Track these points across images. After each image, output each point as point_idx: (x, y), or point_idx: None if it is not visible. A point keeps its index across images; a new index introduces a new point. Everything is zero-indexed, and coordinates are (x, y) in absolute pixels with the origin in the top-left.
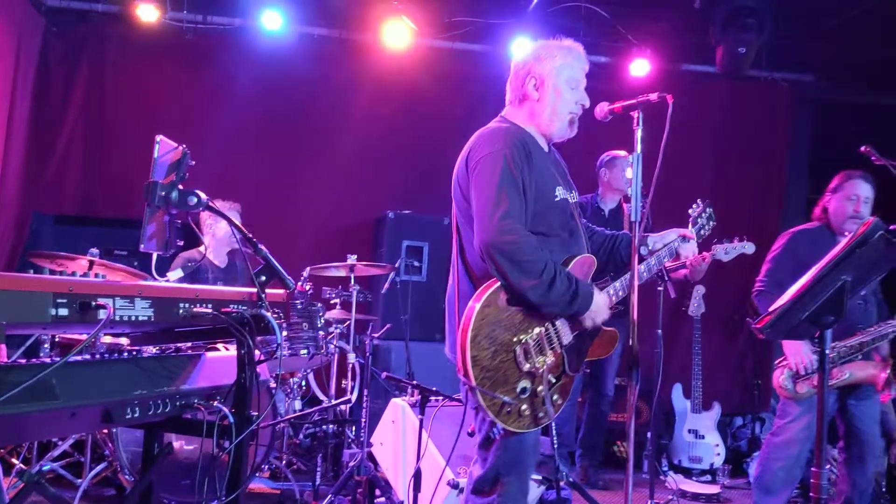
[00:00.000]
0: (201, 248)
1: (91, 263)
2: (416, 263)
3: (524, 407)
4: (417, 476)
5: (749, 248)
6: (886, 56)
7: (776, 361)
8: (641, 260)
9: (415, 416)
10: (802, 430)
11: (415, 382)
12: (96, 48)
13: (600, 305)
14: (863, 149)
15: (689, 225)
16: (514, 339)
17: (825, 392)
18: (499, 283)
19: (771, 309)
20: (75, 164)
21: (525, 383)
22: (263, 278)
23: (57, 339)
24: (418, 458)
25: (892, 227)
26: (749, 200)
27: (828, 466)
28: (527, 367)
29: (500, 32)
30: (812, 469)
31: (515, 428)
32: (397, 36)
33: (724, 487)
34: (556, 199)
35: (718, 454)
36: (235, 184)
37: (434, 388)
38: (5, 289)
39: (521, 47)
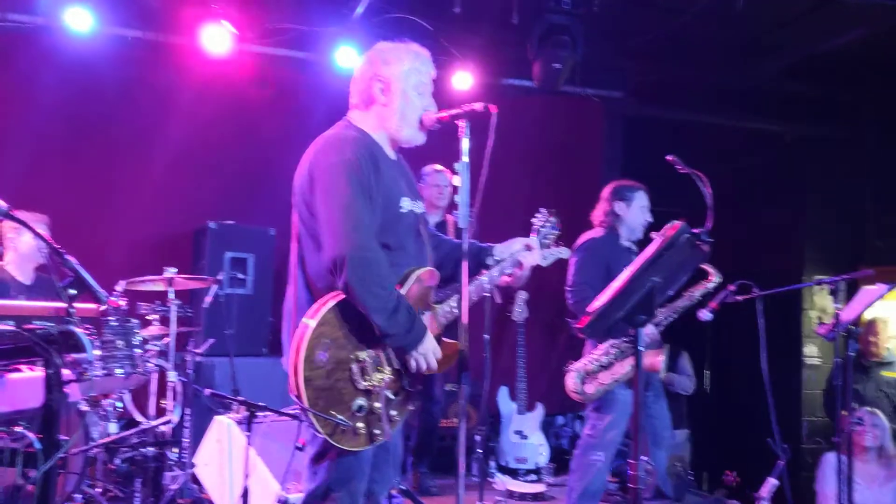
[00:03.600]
0: (2, 263)
1: None
2: (241, 276)
3: (360, 425)
4: (246, 495)
5: (565, 252)
6: (685, 76)
7: (565, 367)
8: (485, 268)
9: (241, 433)
10: (610, 427)
11: (241, 398)
12: None
13: (429, 348)
14: (669, 158)
15: (533, 234)
16: (351, 357)
17: (641, 386)
18: (335, 301)
19: (589, 310)
20: None
21: (361, 401)
22: (73, 292)
23: None
24: (246, 477)
25: (695, 231)
26: (567, 208)
27: (644, 458)
28: (363, 384)
29: (323, 40)
30: (629, 461)
31: (350, 447)
32: (217, 40)
33: (548, 486)
34: (402, 211)
35: (542, 454)
36: (39, 193)
37: (261, 404)
38: None
39: (346, 55)
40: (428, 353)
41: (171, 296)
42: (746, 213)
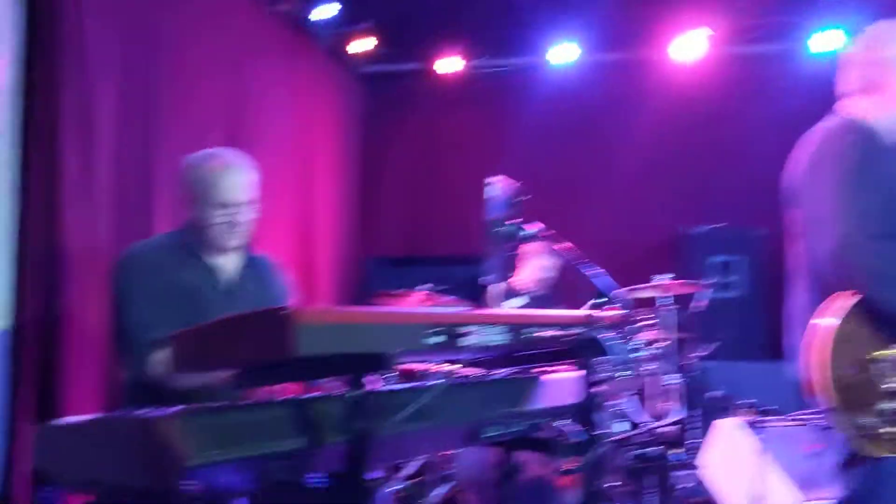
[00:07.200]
0: (520, 277)
1: (427, 298)
2: (728, 279)
3: (885, 430)
4: (760, 501)
5: None
6: None
7: None
8: None
9: (749, 437)
10: None
11: (751, 401)
12: (410, 101)
13: None
14: None
15: None
16: (871, 357)
17: None
18: (856, 297)
19: None
20: (401, 211)
21: (886, 404)
22: (598, 300)
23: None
24: (760, 482)
25: None
26: None
27: None
28: (886, 385)
29: (794, 30)
30: None
31: (876, 454)
32: (687, 49)
33: None
34: None
35: None
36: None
37: (774, 407)
38: (396, 322)
39: (822, 41)
40: None
41: (666, 301)
42: None
